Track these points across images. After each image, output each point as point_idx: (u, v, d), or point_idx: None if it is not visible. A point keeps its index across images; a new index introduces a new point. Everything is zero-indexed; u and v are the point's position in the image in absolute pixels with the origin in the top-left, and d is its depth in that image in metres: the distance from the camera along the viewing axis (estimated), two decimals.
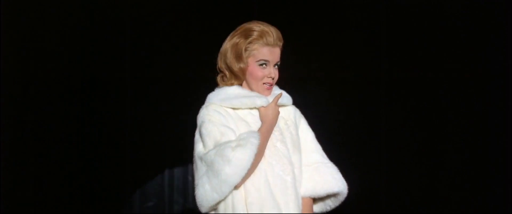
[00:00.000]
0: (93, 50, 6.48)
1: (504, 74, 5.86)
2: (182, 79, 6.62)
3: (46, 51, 6.11)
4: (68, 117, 6.45)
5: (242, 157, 3.05)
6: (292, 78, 6.19)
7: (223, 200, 3.11)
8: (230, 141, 3.10)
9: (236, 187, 3.11)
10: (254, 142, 3.09)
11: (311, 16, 6.38)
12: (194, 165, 3.20)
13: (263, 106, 3.26)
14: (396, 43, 6.28)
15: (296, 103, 3.47)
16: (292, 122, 3.36)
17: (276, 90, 3.37)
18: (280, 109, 3.35)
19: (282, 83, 3.43)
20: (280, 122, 3.31)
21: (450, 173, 6.21)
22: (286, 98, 3.38)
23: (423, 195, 6.27)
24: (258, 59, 3.24)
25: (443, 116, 6.26)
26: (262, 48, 3.24)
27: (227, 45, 3.28)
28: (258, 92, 3.28)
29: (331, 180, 3.29)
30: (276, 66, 3.29)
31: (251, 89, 3.30)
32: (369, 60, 6.36)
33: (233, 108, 3.26)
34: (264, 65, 3.25)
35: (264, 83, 3.28)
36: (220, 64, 3.31)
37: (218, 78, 3.33)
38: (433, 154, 6.27)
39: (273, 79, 3.28)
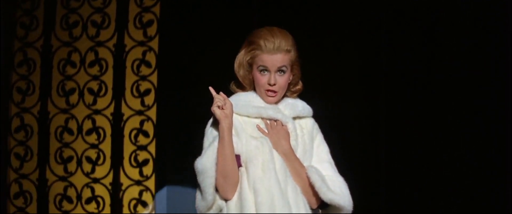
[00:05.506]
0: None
1: (504, 74, 5.85)
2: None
3: None
4: None
5: (201, 167, 3.23)
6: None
7: (230, 201, 3.24)
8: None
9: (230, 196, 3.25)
10: (214, 146, 3.26)
11: (309, 18, 6.37)
12: None
13: (266, 120, 3.39)
14: (395, 45, 6.27)
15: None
16: (308, 131, 3.44)
17: (294, 100, 3.47)
18: (300, 120, 3.46)
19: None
20: (297, 129, 3.41)
21: (450, 176, 6.19)
22: (305, 109, 3.49)
23: (423, 199, 6.25)
24: (258, 66, 3.36)
25: (443, 118, 6.24)
26: (262, 55, 3.35)
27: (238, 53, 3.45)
28: (262, 98, 3.40)
29: (338, 193, 3.33)
30: (282, 72, 3.37)
31: (258, 94, 3.43)
32: (369, 63, 6.34)
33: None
34: (264, 72, 3.35)
35: (266, 90, 3.38)
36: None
37: (231, 85, 3.48)
38: (434, 156, 6.25)
39: (273, 85, 3.36)
